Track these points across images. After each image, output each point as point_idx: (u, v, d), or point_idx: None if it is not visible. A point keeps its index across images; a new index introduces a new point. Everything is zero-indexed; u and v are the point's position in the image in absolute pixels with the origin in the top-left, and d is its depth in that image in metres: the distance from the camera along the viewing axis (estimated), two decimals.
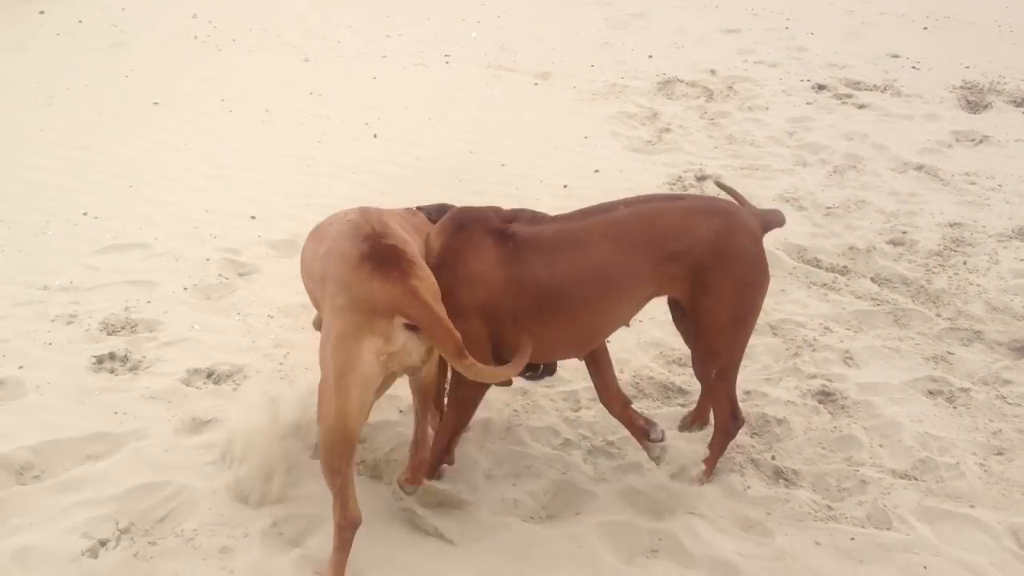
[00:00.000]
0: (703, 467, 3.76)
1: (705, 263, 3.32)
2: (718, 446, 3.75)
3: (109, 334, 4.62)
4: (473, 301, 3.27)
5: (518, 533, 3.47)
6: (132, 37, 9.48)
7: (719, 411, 3.70)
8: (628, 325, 3.71)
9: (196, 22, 10.07)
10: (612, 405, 3.71)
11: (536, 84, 8.55)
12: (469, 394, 3.49)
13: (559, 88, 8.46)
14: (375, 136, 7.17)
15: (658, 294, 3.47)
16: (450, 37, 9.85)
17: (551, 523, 3.55)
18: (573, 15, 11.00)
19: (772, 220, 3.66)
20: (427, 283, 3.02)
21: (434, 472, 3.63)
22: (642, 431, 3.67)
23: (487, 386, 3.51)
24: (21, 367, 4.32)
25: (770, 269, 3.54)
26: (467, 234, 3.36)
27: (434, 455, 3.61)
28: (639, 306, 3.49)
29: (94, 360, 4.39)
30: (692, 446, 3.92)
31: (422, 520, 3.48)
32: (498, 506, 3.60)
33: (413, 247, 3.18)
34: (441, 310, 2.99)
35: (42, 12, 10.19)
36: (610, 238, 3.29)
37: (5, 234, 5.52)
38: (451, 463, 3.72)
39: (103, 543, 3.35)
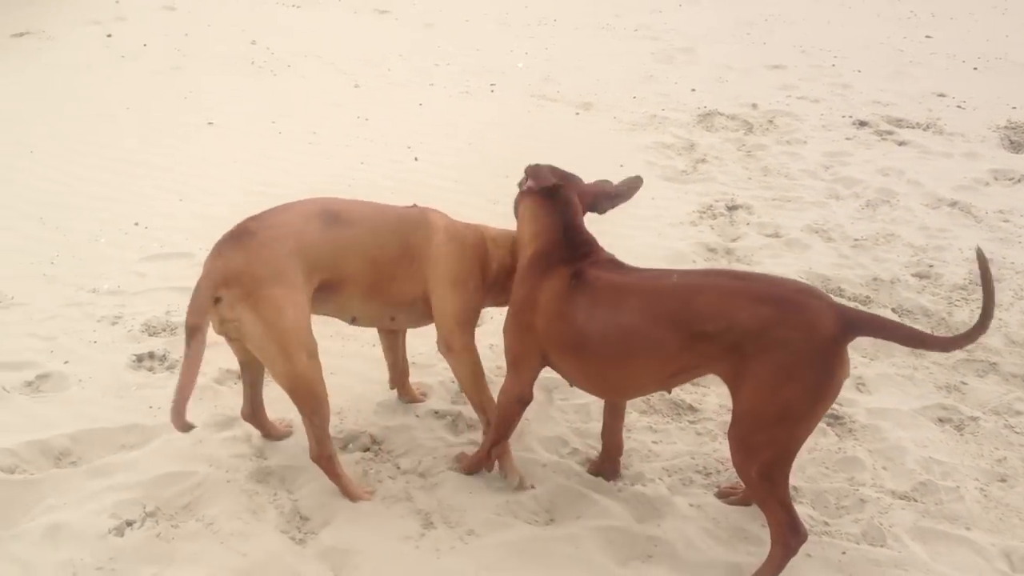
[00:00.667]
0: None
1: (745, 350, 3.08)
2: (773, 564, 3.33)
3: (150, 335, 4.86)
4: (534, 319, 3.48)
5: (519, 532, 3.59)
6: (193, 61, 9.88)
7: (772, 521, 3.30)
8: (668, 392, 3.86)
9: (254, 48, 10.46)
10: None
11: (577, 114, 8.75)
12: (508, 405, 3.67)
13: (599, 118, 8.65)
14: (416, 159, 7.41)
15: (697, 370, 3.34)
16: (497, 67, 10.11)
17: (551, 525, 3.66)
18: (620, 48, 11.21)
19: (861, 321, 3.19)
20: (236, 261, 3.32)
21: (474, 472, 3.88)
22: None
23: (526, 401, 3.66)
24: (66, 362, 4.56)
25: None
26: (550, 261, 3.55)
27: (476, 458, 3.86)
28: (671, 378, 3.39)
29: (134, 358, 4.62)
30: (697, 461, 4.06)
31: (428, 517, 3.66)
32: (502, 507, 3.72)
33: (282, 231, 3.44)
34: (206, 294, 3.30)
35: (109, 35, 10.66)
36: (644, 306, 3.29)
37: (60, 240, 5.83)
38: (489, 469, 3.89)
39: (129, 523, 3.53)
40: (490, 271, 3.96)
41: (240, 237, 3.41)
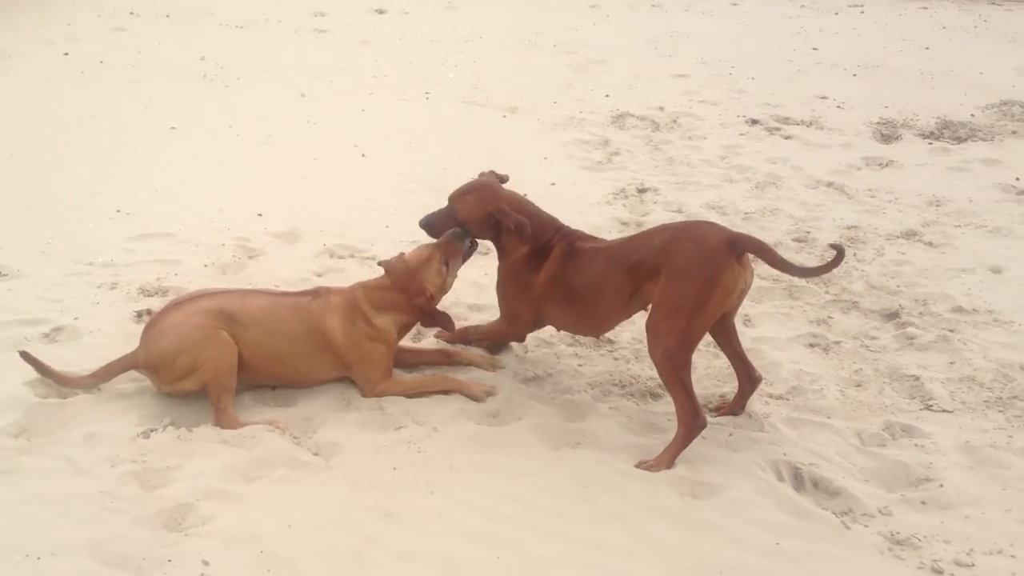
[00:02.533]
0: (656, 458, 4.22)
1: (657, 264, 4.22)
2: (677, 442, 4.21)
3: (146, 296, 5.55)
4: (534, 284, 4.68)
5: (473, 429, 4.40)
6: (148, 75, 10.64)
7: (677, 406, 4.22)
8: (629, 317, 4.77)
9: (204, 63, 11.25)
10: None
11: (504, 116, 9.74)
12: (501, 339, 5.13)
13: (524, 120, 9.65)
14: (363, 155, 8.30)
15: (639, 293, 4.40)
16: (430, 78, 11.07)
17: (498, 425, 4.49)
18: (541, 61, 12.27)
19: (744, 242, 4.21)
20: (140, 356, 4.51)
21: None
22: None
23: (516, 341, 5.11)
24: (76, 318, 5.22)
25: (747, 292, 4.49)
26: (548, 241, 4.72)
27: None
28: (632, 304, 4.50)
29: (135, 314, 5.31)
30: (615, 378, 4.98)
31: (399, 420, 4.49)
32: (458, 412, 4.53)
33: (165, 327, 4.48)
34: (119, 369, 4.59)
35: (66, 54, 11.34)
36: (604, 257, 4.52)
37: (53, 225, 6.53)
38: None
39: (153, 430, 4.25)
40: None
41: (145, 335, 4.53)
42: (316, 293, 4.74)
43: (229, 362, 4.43)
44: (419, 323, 4.83)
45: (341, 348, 4.62)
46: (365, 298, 4.68)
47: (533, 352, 5.21)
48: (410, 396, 4.70)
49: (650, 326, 4.27)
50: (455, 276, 4.83)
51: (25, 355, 4.53)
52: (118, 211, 6.85)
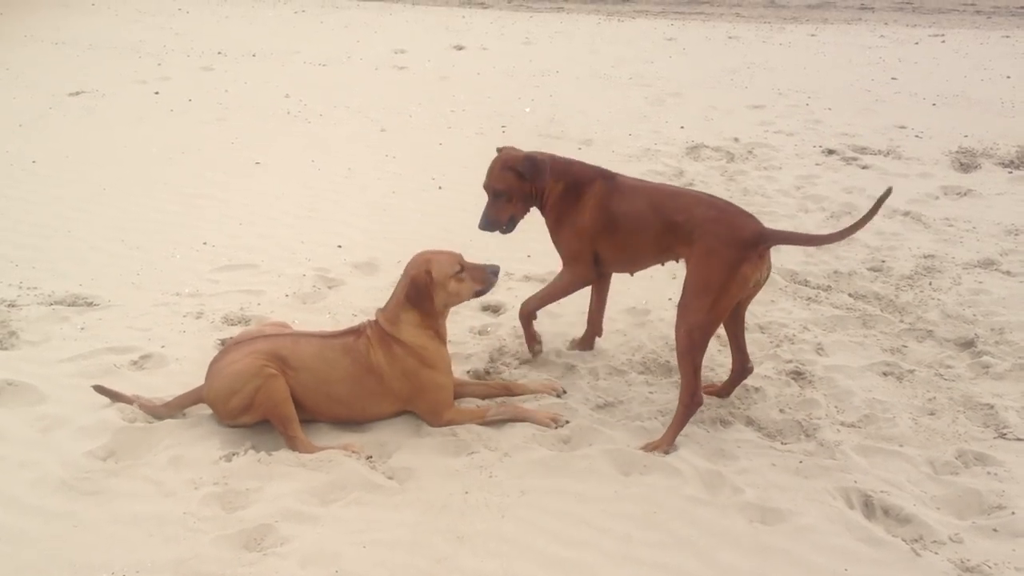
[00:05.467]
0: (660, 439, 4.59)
1: (693, 235, 4.55)
2: (678, 421, 4.60)
3: (230, 325, 5.76)
4: (584, 218, 4.97)
5: (544, 454, 4.46)
6: (234, 113, 11.01)
7: (684, 382, 4.56)
8: (663, 264, 5.08)
9: (288, 101, 11.61)
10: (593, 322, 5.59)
11: (580, 149, 9.83)
12: (574, 283, 5.21)
13: (599, 152, 9.71)
14: (440, 188, 8.47)
15: (673, 248, 4.75)
16: (507, 112, 11.26)
17: (569, 450, 4.55)
18: (616, 94, 12.37)
19: (773, 235, 4.60)
20: (203, 393, 4.72)
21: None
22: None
23: (589, 281, 5.22)
24: (163, 346, 5.45)
25: (763, 286, 4.63)
26: (580, 184, 5.04)
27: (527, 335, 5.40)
28: (663, 252, 4.84)
29: (219, 342, 5.49)
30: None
31: (471, 445, 4.59)
32: (529, 438, 4.60)
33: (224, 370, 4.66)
34: (186, 403, 4.84)
35: (157, 93, 11.81)
36: (649, 200, 4.82)
37: (142, 257, 6.81)
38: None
39: (235, 454, 4.40)
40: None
41: (207, 373, 4.73)
42: (358, 332, 4.81)
43: (280, 393, 4.55)
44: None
45: (392, 380, 4.71)
46: (384, 318, 4.78)
47: (604, 380, 5.27)
48: (479, 424, 4.80)
49: (680, 303, 4.58)
50: (465, 291, 4.84)
51: (99, 388, 4.81)
52: (204, 243, 7.11)
